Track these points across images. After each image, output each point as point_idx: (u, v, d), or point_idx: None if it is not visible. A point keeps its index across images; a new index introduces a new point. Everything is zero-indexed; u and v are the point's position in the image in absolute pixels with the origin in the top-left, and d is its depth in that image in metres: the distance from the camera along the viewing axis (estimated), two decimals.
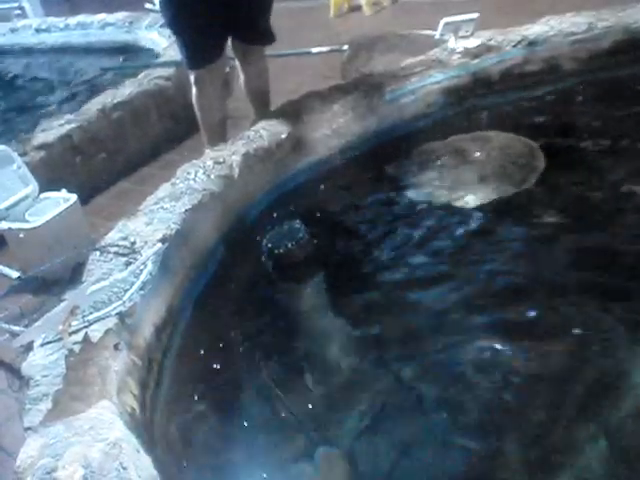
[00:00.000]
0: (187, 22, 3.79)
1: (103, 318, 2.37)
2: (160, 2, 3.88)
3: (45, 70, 8.07)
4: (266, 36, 4.11)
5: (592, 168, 3.43)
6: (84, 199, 4.16)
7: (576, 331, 2.50)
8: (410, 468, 2.20)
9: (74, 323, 2.32)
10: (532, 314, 2.62)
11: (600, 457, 2.07)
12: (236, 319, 2.88)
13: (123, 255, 2.75)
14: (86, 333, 2.29)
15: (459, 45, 4.23)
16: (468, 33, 4.27)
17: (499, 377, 2.39)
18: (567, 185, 3.32)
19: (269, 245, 3.02)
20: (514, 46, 4.23)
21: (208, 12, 3.73)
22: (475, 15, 4.25)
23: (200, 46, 3.89)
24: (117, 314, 2.40)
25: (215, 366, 2.64)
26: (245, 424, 2.41)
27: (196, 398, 2.51)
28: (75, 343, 2.25)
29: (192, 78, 4.05)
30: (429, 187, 3.51)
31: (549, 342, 2.49)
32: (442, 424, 2.29)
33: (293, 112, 3.81)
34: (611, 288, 2.66)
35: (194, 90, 4.10)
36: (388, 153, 3.79)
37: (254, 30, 4.04)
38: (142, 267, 2.65)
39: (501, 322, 2.63)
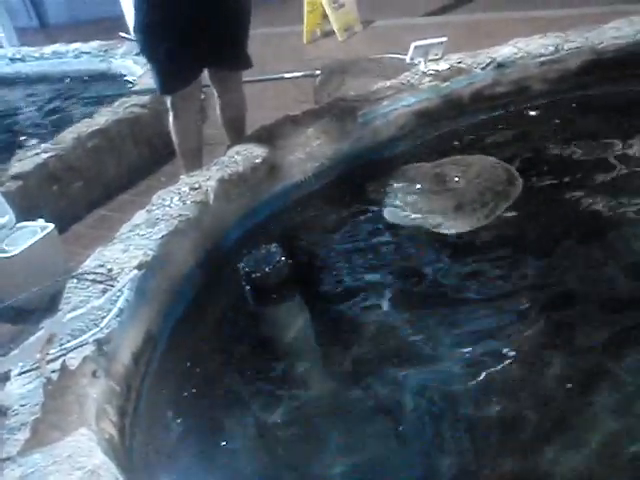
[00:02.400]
0: (160, 48, 3.79)
1: (80, 345, 2.39)
2: (134, 28, 3.90)
3: (20, 99, 8.05)
4: (242, 61, 4.12)
5: (565, 190, 3.49)
6: (61, 227, 4.15)
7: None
8: None
9: (51, 351, 2.34)
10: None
11: None
12: (214, 344, 2.90)
13: (100, 282, 2.77)
14: (64, 361, 2.30)
15: (429, 68, 4.30)
16: (438, 56, 4.35)
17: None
18: (536, 214, 3.38)
19: (246, 269, 3.04)
20: (483, 68, 4.31)
21: (181, 38, 3.74)
22: (444, 38, 4.32)
23: (173, 72, 3.89)
24: (94, 341, 2.42)
25: (194, 391, 2.65)
26: (225, 447, 2.43)
27: (175, 423, 2.52)
28: (53, 371, 2.26)
29: (168, 104, 4.07)
30: (406, 212, 3.54)
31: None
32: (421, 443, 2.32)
33: (267, 137, 3.84)
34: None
35: (170, 116, 4.11)
36: (363, 176, 3.84)
37: (230, 56, 4.05)
38: (119, 294, 2.67)
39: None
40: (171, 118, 4.11)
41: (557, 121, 4.20)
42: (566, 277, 2.93)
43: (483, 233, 3.30)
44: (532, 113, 4.32)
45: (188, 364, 2.76)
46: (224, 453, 2.39)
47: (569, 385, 2.38)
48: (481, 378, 2.48)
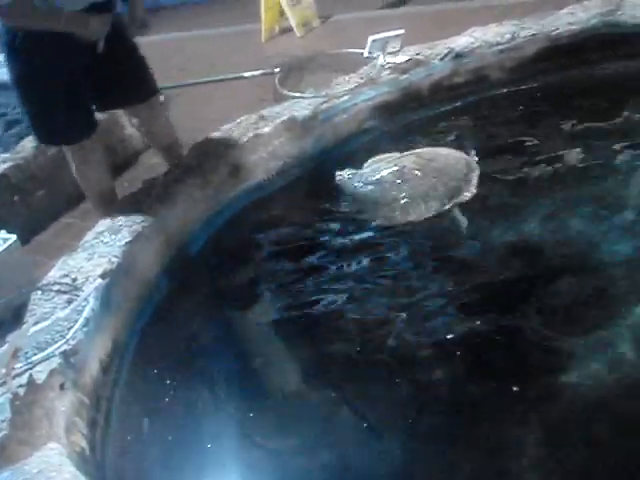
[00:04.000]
0: (49, 99, 3.43)
1: (47, 358, 2.37)
2: (13, 81, 3.43)
3: None
4: (143, 91, 3.73)
5: (522, 180, 3.54)
6: (25, 238, 4.10)
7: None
8: None
9: (17, 365, 2.31)
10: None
11: None
12: (182, 348, 2.89)
13: (65, 293, 2.74)
14: (30, 375, 2.27)
15: (388, 61, 4.30)
16: (396, 49, 4.34)
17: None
18: (492, 205, 3.42)
19: (209, 273, 3.03)
20: (441, 59, 4.32)
21: (71, 85, 3.42)
22: (401, 31, 4.32)
23: (70, 121, 3.52)
24: (61, 353, 2.39)
25: (165, 398, 2.63)
26: (199, 454, 2.42)
27: (147, 431, 2.50)
28: (20, 386, 2.23)
29: (68, 155, 3.73)
30: (368, 205, 3.56)
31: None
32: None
33: (228, 137, 3.82)
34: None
35: (72, 167, 3.76)
36: (326, 172, 3.83)
37: (129, 89, 3.68)
38: (84, 304, 2.64)
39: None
40: (75, 167, 3.75)
41: (517, 109, 4.21)
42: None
43: (428, 226, 3.36)
44: (492, 102, 4.33)
45: (158, 371, 2.74)
46: (199, 460, 2.38)
47: None
48: None
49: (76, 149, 3.65)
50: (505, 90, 4.39)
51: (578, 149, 3.62)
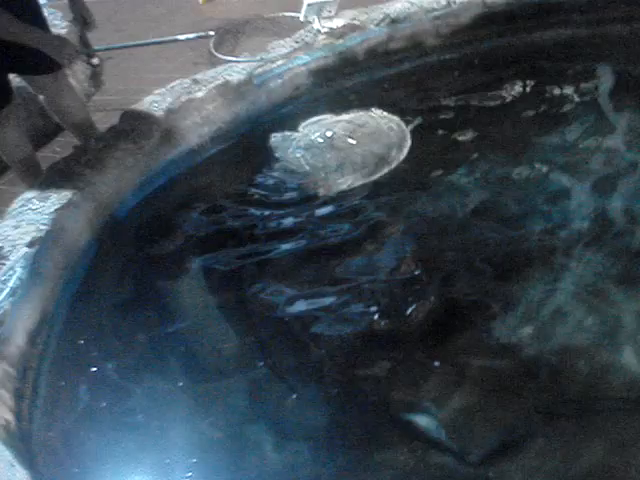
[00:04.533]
0: None
1: None
2: None
3: None
4: (43, 65, 3.53)
5: (452, 146, 3.57)
6: None
7: None
8: None
9: None
10: None
11: None
12: (113, 317, 2.85)
13: None
14: None
15: (323, 26, 4.26)
16: (331, 13, 4.30)
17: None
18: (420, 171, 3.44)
19: (141, 241, 2.99)
20: (377, 24, 4.29)
21: None
22: None
23: None
24: None
25: (94, 369, 2.60)
26: (130, 424, 2.40)
27: (77, 403, 2.47)
28: None
29: None
30: (298, 172, 3.56)
31: None
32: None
33: (161, 101, 3.74)
34: None
35: None
36: (259, 138, 3.80)
37: (27, 59, 3.46)
38: (11, 273, 2.58)
39: None
40: None
41: (452, 75, 4.23)
42: None
43: (353, 195, 3.36)
44: (427, 68, 4.33)
45: (88, 341, 2.70)
46: (129, 432, 2.37)
47: None
48: None
49: None
50: (440, 57, 4.38)
51: (510, 116, 3.67)
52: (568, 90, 3.85)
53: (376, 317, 2.65)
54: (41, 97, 3.88)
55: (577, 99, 3.80)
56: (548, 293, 2.61)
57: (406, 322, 2.61)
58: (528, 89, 3.92)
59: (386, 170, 3.42)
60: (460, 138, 3.58)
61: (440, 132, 3.68)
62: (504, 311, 2.58)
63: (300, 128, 3.77)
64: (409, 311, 2.63)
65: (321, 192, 3.39)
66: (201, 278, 3.05)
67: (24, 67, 3.58)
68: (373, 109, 3.82)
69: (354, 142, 3.52)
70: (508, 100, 3.88)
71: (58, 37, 3.36)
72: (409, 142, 3.55)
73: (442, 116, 3.86)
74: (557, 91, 3.88)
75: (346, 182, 3.41)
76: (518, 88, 3.93)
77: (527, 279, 2.70)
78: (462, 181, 3.27)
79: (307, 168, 3.53)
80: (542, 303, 2.58)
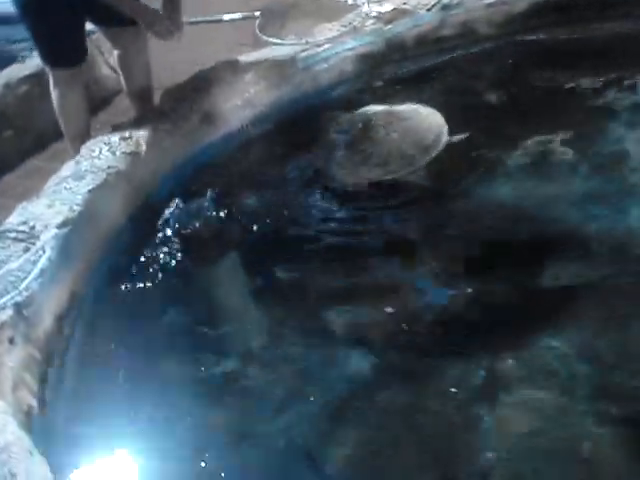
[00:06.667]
0: (46, 19, 3.41)
1: None
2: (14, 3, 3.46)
3: None
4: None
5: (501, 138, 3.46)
6: None
7: None
8: None
9: None
10: None
11: None
12: (144, 303, 2.78)
13: (22, 241, 2.61)
14: None
15: (372, 10, 4.14)
16: None
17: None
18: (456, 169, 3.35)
19: (177, 225, 2.91)
20: (428, 10, 4.16)
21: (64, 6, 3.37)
22: None
23: (61, 43, 3.53)
24: (13, 305, 2.28)
25: (123, 354, 2.53)
26: (157, 416, 2.33)
27: (103, 391, 2.40)
28: None
29: (51, 81, 3.66)
30: (336, 158, 3.47)
31: None
32: None
33: (203, 83, 3.67)
34: None
35: (55, 94, 3.69)
36: (301, 123, 3.71)
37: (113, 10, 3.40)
38: (41, 253, 2.53)
39: None
40: (56, 96, 3.69)
41: (504, 65, 4.08)
42: None
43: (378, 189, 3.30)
44: (478, 57, 4.19)
45: (116, 326, 2.64)
46: (155, 424, 2.30)
47: None
48: None
49: (67, 76, 3.62)
50: (492, 45, 4.23)
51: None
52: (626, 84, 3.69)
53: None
54: (116, 53, 3.87)
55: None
56: None
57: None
58: (584, 83, 3.76)
59: (407, 171, 3.31)
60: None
61: (484, 130, 3.54)
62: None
63: (343, 114, 3.66)
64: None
65: (355, 181, 3.35)
66: (237, 264, 3.01)
67: (108, 19, 3.57)
68: (421, 104, 3.66)
69: (387, 135, 3.41)
70: (562, 95, 3.73)
71: (153, 11, 3.37)
72: (445, 139, 3.42)
73: (488, 109, 3.73)
74: (614, 86, 3.71)
75: (367, 175, 3.35)
76: (575, 81, 3.77)
77: None
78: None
79: (344, 155, 3.45)
80: None
